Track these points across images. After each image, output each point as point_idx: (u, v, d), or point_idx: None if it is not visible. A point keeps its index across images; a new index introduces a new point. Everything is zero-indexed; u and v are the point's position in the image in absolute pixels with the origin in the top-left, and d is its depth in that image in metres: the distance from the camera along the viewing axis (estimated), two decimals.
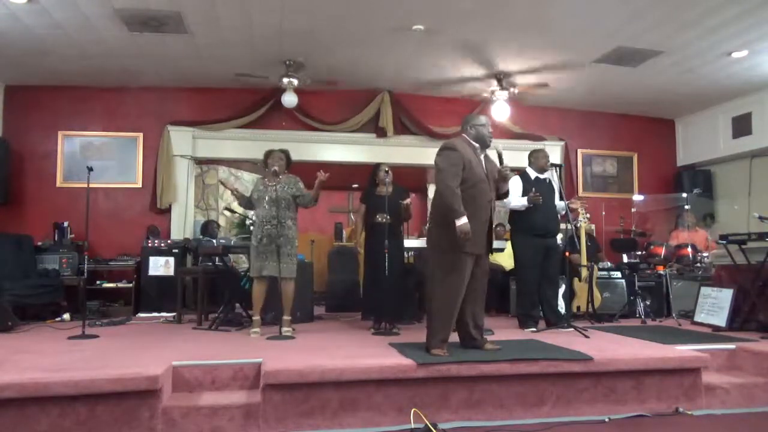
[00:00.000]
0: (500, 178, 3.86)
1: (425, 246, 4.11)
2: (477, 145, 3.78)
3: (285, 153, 4.90)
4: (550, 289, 5.02)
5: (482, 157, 3.82)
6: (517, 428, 3.12)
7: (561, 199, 5.10)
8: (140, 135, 7.25)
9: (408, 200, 5.11)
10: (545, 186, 5.05)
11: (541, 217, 4.92)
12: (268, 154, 4.88)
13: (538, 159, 5.14)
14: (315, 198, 4.79)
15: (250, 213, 5.58)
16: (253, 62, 6.53)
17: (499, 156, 3.84)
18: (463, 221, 3.48)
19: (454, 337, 3.81)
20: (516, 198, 4.96)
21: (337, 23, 5.61)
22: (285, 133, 7.42)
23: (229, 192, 5.30)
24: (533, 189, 4.90)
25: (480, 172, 3.70)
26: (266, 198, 4.69)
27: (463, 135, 3.84)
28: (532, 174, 5.11)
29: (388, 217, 4.83)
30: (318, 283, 6.87)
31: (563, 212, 5.05)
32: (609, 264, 6.51)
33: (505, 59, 6.57)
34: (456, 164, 3.59)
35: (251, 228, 5.17)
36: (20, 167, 6.95)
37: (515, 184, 5.03)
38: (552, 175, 5.15)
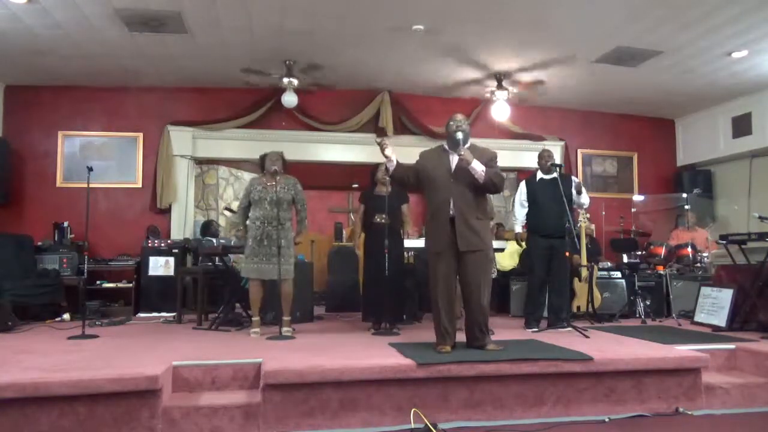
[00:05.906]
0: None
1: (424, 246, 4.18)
2: (448, 147, 3.84)
3: (281, 154, 4.92)
4: (556, 290, 5.00)
5: (455, 156, 3.76)
6: (517, 428, 3.12)
7: (570, 196, 5.02)
8: (140, 135, 7.25)
9: (405, 205, 5.19)
10: (550, 187, 5.01)
11: (547, 217, 4.94)
12: (264, 156, 4.90)
13: (540, 159, 5.19)
14: (301, 232, 4.95)
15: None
16: (253, 62, 6.53)
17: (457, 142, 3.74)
18: None
19: (459, 337, 3.81)
20: (517, 209, 5.26)
21: (337, 23, 5.60)
22: (285, 133, 7.42)
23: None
24: (538, 190, 5.03)
25: (440, 173, 3.78)
26: (267, 199, 4.70)
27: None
28: (538, 175, 5.18)
29: (386, 217, 4.83)
30: (318, 283, 6.86)
31: (584, 207, 5.28)
32: (609, 264, 6.51)
33: (505, 59, 6.57)
34: (405, 177, 3.89)
35: None
36: (20, 167, 6.95)
37: (520, 189, 5.26)
38: (558, 176, 5.12)
